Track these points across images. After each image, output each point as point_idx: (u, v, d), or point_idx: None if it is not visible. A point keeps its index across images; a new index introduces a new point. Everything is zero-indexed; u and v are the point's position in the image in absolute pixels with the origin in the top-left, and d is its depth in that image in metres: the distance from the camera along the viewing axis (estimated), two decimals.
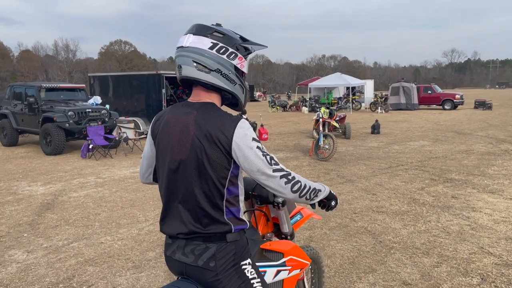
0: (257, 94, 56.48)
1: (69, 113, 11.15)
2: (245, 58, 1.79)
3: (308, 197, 1.77)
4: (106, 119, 11.94)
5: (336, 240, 4.60)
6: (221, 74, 1.72)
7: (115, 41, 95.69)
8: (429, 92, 28.07)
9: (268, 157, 1.65)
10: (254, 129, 14.18)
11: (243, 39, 1.81)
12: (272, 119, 22.31)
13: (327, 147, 9.69)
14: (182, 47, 1.71)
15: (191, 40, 1.70)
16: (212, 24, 1.79)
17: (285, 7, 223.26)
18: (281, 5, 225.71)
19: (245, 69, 1.80)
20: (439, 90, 28.81)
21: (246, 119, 14.49)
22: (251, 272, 1.77)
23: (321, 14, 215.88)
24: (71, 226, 5.27)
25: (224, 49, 1.72)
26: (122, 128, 12.10)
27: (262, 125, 14.07)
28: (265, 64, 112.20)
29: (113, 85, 15.78)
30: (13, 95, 12.75)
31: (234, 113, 1.80)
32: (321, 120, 10.23)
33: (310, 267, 2.95)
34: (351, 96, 28.40)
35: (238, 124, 1.65)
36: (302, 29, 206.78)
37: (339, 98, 29.56)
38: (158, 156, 1.81)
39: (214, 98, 1.77)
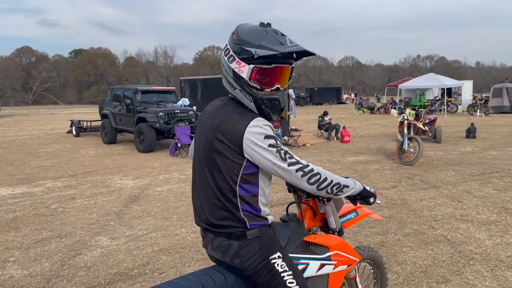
0: (344, 96, 55.48)
1: (160, 113, 11.95)
2: (246, 63, 1.68)
3: (329, 191, 1.72)
4: (193, 119, 12.57)
5: (410, 247, 4.35)
6: (224, 76, 1.78)
7: (208, 47, 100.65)
8: None
9: (282, 152, 1.64)
10: (337, 131, 13.92)
11: (261, 45, 1.66)
12: (358, 122, 21.70)
13: (412, 150, 9.17)
14: None
15: None
16: (263, 23, 1.76)
17: (377, 7, 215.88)
18: (373, 6, 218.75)
19: (244, 75, 1.69)
20: None
21: (329, 122, 14.30)
22: (281, 265, 1.76)
23: (417, 13, 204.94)
24: (152, 218, 5.65)
25: (227, 51, 1.74)
26: None
27: (344, 127, 13.75)
28: (355, 65, 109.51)
29: (201, 88, 16.56)
30: (113, 97, 14.00)
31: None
32: (406, 122, 9.71)
33: (372, 270, 2.84)
34: (445, 97, 26.53)
35: (251, 122, 1.64)
36: (395, 29, 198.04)
37: (432, 100, 27.79)
38: (194, 145, 1.94)
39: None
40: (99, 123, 15.52)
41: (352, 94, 58.22)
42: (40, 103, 72.72)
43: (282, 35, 1.74)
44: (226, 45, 1.76)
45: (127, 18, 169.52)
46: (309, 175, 1.66)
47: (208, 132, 1.73)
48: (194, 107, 13.52)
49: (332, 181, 1.72)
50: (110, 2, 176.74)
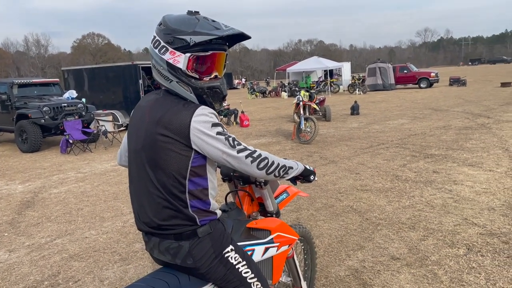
0: (235, 81, 56.27)
1: (44, 108, 10.85)
2: (181, 52, 1.60)
3: (277, 174, 1.73)
4: (83, 113, 11.67)
5: (323, 220, 4.62)
6: (156, 69, 1.69)
7: (88, 34, 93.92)
8: (405, 71, 28.42)
9: (230, 139, 1.60)
10: (236, 116, 14.10)
11: (196, 31, 1.59)
12: (253, 106, 22.24)
13: (308, 130, 9.70)
14: None
15: None
16: (191, 11, 1.70)
17: None
18: None
19: (180, 65, 1.61)
20: (414, 69, 29.16)
21: (227, 107, 14.41)
22: (235, 257, 1.74)
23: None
24: (53, 223, 5.15)
25: (157, 43, 1.65)
26: (100, 122, 11.85)
27: (242, 112, 13.99)
28: (242, 51, 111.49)
29: (88, 79, 15.42)
30: None
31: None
32: (301, 103, 10.22)
33: (302, 247, 2.94)
34: (329, 79, 28.47)
35: (196, 111, 1.57)
36: (278, 15, 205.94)
37: (317, 82, 29.63)
38: (128, 144, 1.80)
39: None
40: None
41: (243, 79, 59.34)
42: None
43: (213, 20, 1.69)
44: (155, 37, 1.65)
45: None
46: (258, 160, 1.64)
47: (148, 127, 1.61)
48: (83, 99, 12.55)
49: (278, 164, 1.73)
50: None
